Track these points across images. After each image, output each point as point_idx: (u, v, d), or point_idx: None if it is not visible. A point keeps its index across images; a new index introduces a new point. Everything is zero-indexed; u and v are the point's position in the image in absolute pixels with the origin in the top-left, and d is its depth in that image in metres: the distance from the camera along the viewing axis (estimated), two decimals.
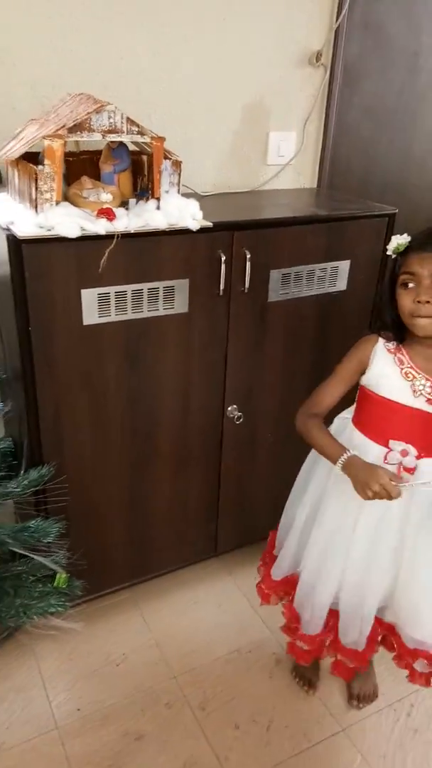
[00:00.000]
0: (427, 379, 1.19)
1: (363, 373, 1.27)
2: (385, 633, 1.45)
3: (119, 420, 1.47)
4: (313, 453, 1.39)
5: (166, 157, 1.27)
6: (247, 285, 1.46)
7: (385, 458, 1.23)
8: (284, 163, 1.86)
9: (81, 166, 1.34)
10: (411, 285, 1.15)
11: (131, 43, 1.52)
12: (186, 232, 1.32)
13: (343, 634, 1.41)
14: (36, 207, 1.16)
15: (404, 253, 1.18)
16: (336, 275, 1.60)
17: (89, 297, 1.29)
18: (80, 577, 1.50)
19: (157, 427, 1.54)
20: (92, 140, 1.20)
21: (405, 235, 1.19)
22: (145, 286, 1.34)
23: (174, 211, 1.28)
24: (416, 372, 1.20)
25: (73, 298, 1.28)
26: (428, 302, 1.13)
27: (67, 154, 1.30)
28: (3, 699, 1.54)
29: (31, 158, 1.23)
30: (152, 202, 1.28)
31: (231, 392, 1.60)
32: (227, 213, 1.50)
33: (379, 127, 1.99)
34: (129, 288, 1.33)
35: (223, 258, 1.40)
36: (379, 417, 1.25)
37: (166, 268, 1.36)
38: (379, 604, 1.38)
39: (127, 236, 1.24)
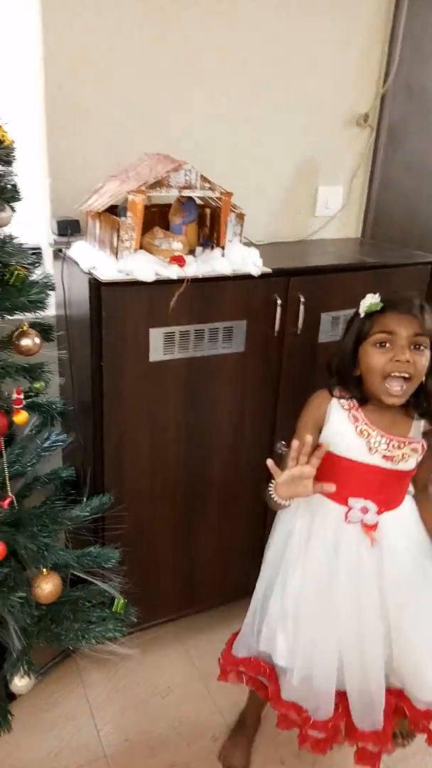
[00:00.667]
0: (382, 436, 1.18)
1: (320, 430, 1.25)
2: (395, 700, 1.33)
3: (175, 453, 1.55)
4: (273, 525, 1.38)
5: (230, 210, 1.38)
6: (300, 327, 1.55)
7: (346, 517, 1.21)
8: (331, 215, 1.98)
9: (151, 218, 1.46)
10: (386, 344, 1.14)
11: (197, 108, 1.67)
12: (247, 277, 1.43)
13: (358, 719, 1.30)
14: (116, 254, 1.27)
15: (379, 312, 1.16)
16: None
17: (156, 336, 1.39)
18: (132, 606, 1.54)
19: (210, 461, 1.61)
20: (163, 195, 1.32)
21: (377, 294, 1.17)
22: (206, 327, 1.45)
23: (237, 258, 1.40)
24: (371, 429, 1.19)
25: (142, 336, 1.38)
26: (407, 361, 1.12)
27: None
28: (53, 725, 1.57)
29: (109, 210, 1.36)
30: (217, 251, 1.40)
31: (280, 429, 1.67)
32: (280, 260, 1.60)
33: (420, 182, 2.10)
34: (192, 328, 1.43)
35: (279, 302, 1.50)
36: (336, 475, 1.20)
37: (227, 310, 1.46)
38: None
39: (195, 281, 1.34)
